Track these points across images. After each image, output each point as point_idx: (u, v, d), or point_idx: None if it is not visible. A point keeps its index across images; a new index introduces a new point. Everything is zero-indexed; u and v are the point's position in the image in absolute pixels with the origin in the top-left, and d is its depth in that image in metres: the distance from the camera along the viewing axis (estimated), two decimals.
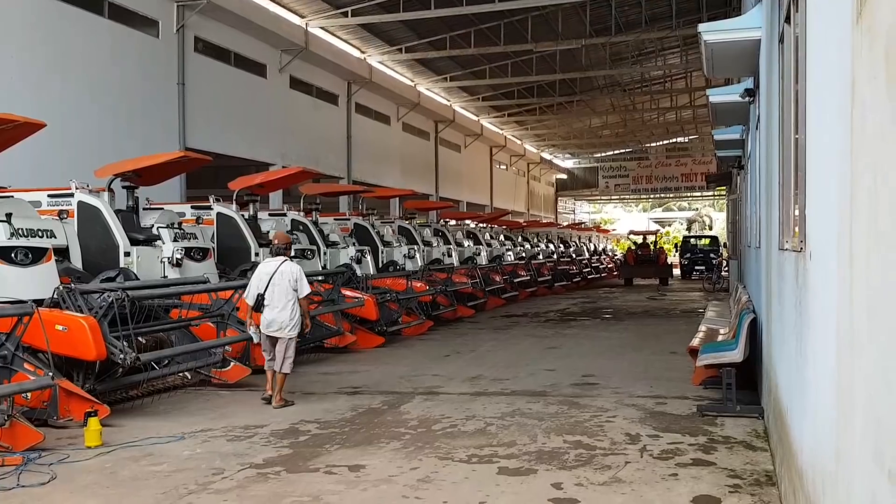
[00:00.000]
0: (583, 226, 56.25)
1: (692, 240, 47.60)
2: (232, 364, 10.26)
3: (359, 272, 15.82)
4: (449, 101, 38.71)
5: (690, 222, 77.23)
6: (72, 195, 11.19)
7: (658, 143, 58.34)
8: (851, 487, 2.65)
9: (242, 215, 13.93)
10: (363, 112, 31.15)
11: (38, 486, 6.04)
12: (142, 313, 9.23)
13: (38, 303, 7.98)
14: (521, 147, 51.81)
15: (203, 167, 14.68)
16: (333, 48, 27.65)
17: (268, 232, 14.41)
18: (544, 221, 48.13)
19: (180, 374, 10.02)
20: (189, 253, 12.01)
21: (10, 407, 7.06)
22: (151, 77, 19.69)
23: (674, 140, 57.13)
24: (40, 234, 9.57)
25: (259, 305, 9.15)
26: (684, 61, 34.75)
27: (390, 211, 30.49)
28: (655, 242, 40.72)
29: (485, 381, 10.64)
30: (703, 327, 12.11)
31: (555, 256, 33.91)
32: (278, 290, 9.09)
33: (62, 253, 10.18)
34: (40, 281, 8.95)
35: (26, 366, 7.60)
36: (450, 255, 22.19)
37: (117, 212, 11.62)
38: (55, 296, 8.49)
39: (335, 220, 18.57)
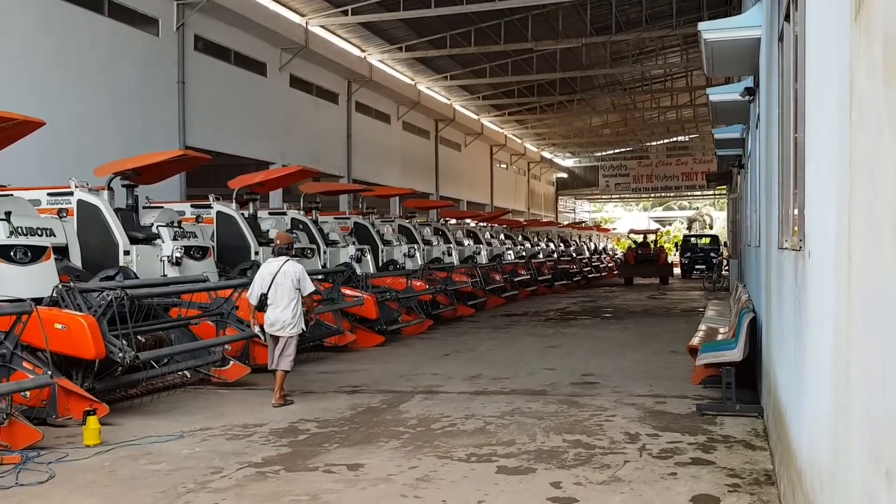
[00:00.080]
0: (583, 225, 56.30)
1: (692, 239, 47.60)
2: (231, 363, 10.27)
3: (359, 271, 15.81)
4: (449, 99, 38.70)
5: (691, 221, 77.28)
6: (71, 194, 11.18)
7: (658, 142, 58.34)
8: (849, 487, 2.64)
9: (242, 214, 13.92)
10: (363, 111, 31.14)
11: (36, 484, 6.04)
12: (141, 312, 9.23)
13: (38, 301, 7.98)
14: (521, 146, 51.80)
15: (203, 166, 14.67)
16: (333, 47, 27.64)
17: (267, 231, 14.41)
18: (544, 220, 48.15)
19: (179, 373, 10.03)
20: (189, 251, 12.00)
21: (9, 405, 7.06)
22: (151, 75, 19.68)
23: (674, 139, 57.11)
24: (40, 232, 9.56)
25: (262, 305, 9.21)
26: (685, 60, 34.75)
27: (390, 210, 30.47)
28: (656, 241, 40.68)
29: (484, 380, 10.64)
30: (702, 326, 12.09)
31: (555, 255, 33.90)
32: (281, 289, 9.15)
33: (61, 251, 10.17)
34: (39, 279, 8.94)
35: (25, 364, 7.60)
36: (450, 254, 22.19)
37: (117, 210, 11.61)
38: (54, 294, 8.49)
39: (335, 218, 18.55)
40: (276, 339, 9.20)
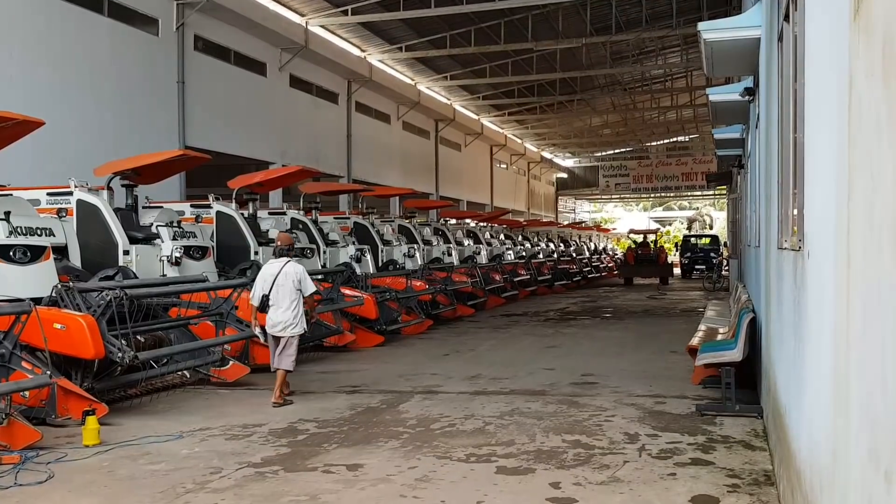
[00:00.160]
0: (583, 225, 56.29)
1: (692, 239, 47.61)
2: (231, 363, 10.27)
3: (358, 271, 15.81)
4: (449, 99, 38.70)
5: (691, 221, 77.27)
6: (71, 193, 11.18)
7: (659, 143, 58.33)
8: (848, 488, 2.64)
9: (242, 214, 13.92)
10: (363, 111, 31.14)
11: (35, 484, 6.04)
12: (140, 312, 9.23)
13: (37, 301, 7.97)
14: (521, 146, 51.79)
15: (202, 166, 14.65)
16: (333, 47, 27.63)
17: (267, 231, 14.40)
18: (544, 220, 48.14)
19: (179, 373, 10.02)
20: (188, 251, 12.00)
21: (8, 405, 7.06)
22: (151, 75, 19.68)
23: (674, 139, 57.10)
24: (39, 232, 9.56)
25: (264, 306, 9.26)
26: (685, 60, 34.74)
27: (390, 210, 30.48)
28: (656, 241, 40.70)
29: (484, 380, 10.64)
30: (702, 326, 12.09)
31: (555, 255, 33.91)
32: (282, 290, 9.21)
33: (61, 251, 10.17)
34: (39, 279, 8.94)
35: (24, 364, 7.60)
36: (450, 254, 22.18)
37: (116, 210, 11.61)
38: (53, 294, 8.49)
39: (335, 218, 18.54)
40: (277, 339, 9.25)
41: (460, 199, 40.66)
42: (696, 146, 56.53)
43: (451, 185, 39.83)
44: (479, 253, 24.84)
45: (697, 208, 79.54)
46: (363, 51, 29.67)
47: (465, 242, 24.95)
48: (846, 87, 2.62)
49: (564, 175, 63.63)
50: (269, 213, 16.49)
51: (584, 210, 75.18)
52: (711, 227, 71.40)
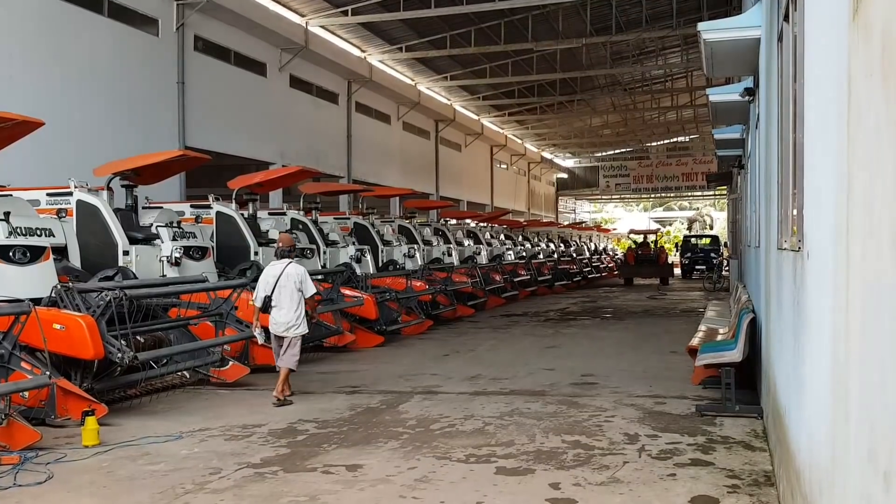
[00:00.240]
0: (583, 225, 56.28)
1: (693, 239, 47.61)
2: (230, 363, 10.26)
3: (358, 271, 15.80)
4: (449, 100, 38.69)
5: (691, 222, 77.23)
6: (70, 194, 11.18)
7: (659, 143, 58.33)
8: (847, 488, 2.63)
9: (242, 214, 13.91)
10: (363, 111, 31.14)
11: (34, 485, 6.03)
12: (140, 312, 9.23)
13: (36, 301, 7.96)
14: (521, 146, 51.79)
15: (202, 166, 14.65)
16: (333, 47, 27.63)
17: (267, 231, 14.40)
18: (545, 221, 48.14)
19: (178, 374, 10.01)
20: (188, 252, 12.00)
21: (7, 406, 7.06)
22: (151, 76, 19.68)
23: (674, 139, 57.10)
24: (39, 232, 9.56)
25: (266, 307, 9.31)
26: (685, 60, 34.73)
27: (390, 210, 30.48)
28: (656, 242, 40.68)
29: (484, 380, 10.63)
30: (702, 327, 12.09)
31: (555, 256, 33.91)
32: (284, 291, 9.28)
33: (61, 252, 10.16)
34: (38, 279, 8.93)
35: (24, 365, 7.59)
36: (450, 255, 22.18)
37: (116, 210, 11.61)
38: (53, 294, 8.48)
39: (335, 219, 18.55)
40: (280, 339, 9.29)
41: (460, 199, 40.66)
42: (696, 146, 56.52)
43: (452, 186, 39.83)
44: (479, 253, 24.83)
45: (698, 208, 79.51)
46: (363, 51, 29.67)
47: (466, 243, 24.95)
48: (845, 87, 2.62)
49: (565, 175, 63.63)
50: (269, 214, 16.48)
51: (584, 210, 75.17)
52: (712, 228, 71.38)
